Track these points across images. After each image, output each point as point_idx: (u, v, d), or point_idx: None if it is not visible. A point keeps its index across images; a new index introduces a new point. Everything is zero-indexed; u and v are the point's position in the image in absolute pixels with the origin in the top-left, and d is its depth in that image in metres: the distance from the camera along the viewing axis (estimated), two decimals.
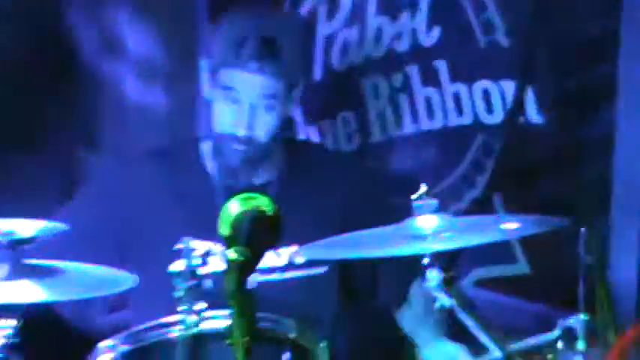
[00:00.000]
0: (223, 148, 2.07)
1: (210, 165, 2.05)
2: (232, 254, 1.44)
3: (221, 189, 2.05)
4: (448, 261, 1.65)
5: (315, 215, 2.07)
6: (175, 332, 1.65)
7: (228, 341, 1.47)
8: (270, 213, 1.48)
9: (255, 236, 1.45)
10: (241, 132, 1.99)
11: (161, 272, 1.68)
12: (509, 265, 2.39)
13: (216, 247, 1.88)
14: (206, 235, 1.69)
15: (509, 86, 2.31)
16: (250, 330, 1.45)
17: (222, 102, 2.04)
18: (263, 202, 1.51)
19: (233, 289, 1.41)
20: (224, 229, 1.46)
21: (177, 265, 1.62)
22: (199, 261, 1.65)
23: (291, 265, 2.05)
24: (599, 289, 1.82)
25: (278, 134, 2.12)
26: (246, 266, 1.45)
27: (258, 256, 1.49)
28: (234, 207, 1.45)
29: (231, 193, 1.86)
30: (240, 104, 2.02)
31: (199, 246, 1.86)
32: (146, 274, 1.71)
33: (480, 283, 2.41)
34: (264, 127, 2.05)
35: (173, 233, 1.75)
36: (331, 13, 2.64)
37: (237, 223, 1.46)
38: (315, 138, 2.58)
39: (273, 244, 1.53)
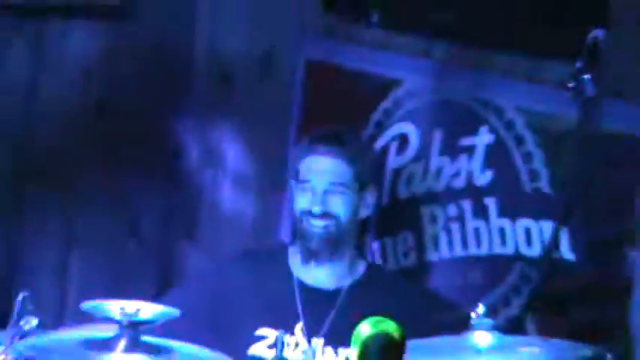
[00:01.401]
0: (303, 229, 2.25)
1: (295, 268, 2.24)
2: None
3: (301, 290, 2.26)
4: None
5: None
6: None
7: None
8: (397, 338, 1.53)
9: (382, 358, 1.53)
10: (316, 209, 2.17)
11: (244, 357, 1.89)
12: None
13: (291, 339, 2.11)
14: (283, 328, 1.89)
15: (547, 225, 2.51)
16: None
17: (301, 193, 2.25)
18: (392, 327, 1.56)
19: None
20: (355, 348, 1.54)
21: (268, 353, 1.82)
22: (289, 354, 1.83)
23: None
24: None
25: (353, 220, 2.30)
26: None
27: None
28: (365, 329, 1.52)
29: (310, 293, 2.13)
30: (314, 190, 2.22)
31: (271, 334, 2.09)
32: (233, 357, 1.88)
33: None
34: (338, 206, 2.24)
35: (256, 326, 1.97)
36: (401, 149, 2.85)
37: (367, 345, 1.54)
38: (376, 253, 2.75)
39: None
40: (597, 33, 2.42)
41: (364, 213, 2.27)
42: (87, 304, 1.80)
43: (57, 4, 3.32)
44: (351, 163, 2.25)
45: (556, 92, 2.71)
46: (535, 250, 2.58)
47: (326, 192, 2.22)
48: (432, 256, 2.80)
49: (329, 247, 2.22)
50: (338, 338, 2.23)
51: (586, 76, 2.31)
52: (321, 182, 2.24)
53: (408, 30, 2.93)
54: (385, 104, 2.96)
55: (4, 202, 3.31)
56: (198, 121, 3.17)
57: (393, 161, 2.89)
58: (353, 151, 2.27)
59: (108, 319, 1.78)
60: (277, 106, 3.18)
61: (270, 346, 1.93)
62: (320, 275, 2.27)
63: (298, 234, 2.23)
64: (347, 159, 2.24)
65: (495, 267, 2.71)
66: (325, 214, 2.20)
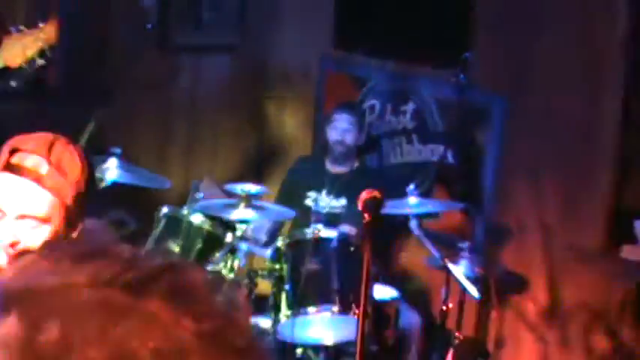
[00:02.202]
0: (332, 148, 4.40)
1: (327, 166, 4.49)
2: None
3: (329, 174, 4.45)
4: None
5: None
6: None
7: None
8: (380, 197, 2.87)
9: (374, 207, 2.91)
10: (339, 139, 4.37)
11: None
12: None
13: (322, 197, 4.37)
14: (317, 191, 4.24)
15: (439, 147, 4.60)
16: None
17: (333, 131, 4.37)
18: (377, 193, 2.94)
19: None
20: (359, 204, 2.94)
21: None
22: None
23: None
24: None
25: (355, 146, 4.38)
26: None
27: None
28: (364, 194, 2.90)
29: (332, 176, 4.37)
30: (337, 129, 4.33)
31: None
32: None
33: None
34: (350, 138, 4.32)
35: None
36: (372, 111, 4.84)
37: (366, 202, 2.87)
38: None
39: None
40: (467, 54, 4.40)
41: (359, 141, 4.46)
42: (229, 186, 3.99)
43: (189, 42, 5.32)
44: (355, 116, 4.43)
45: (447, 84, 4.60)
46: (435, 159, 4.64)
47: (344, 129, 4.36)
48: (390, 161, 4.86)
49: (344, 156, 4.40)
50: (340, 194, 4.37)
51: (462, 76, 4.33)
52: (342, 125, 4.37)
53: (374, 55, 4.85)
54: (364, 90, 4.98)
55: None
56: (278, 103, 5.32)
57: (368, 117, 4.93)
58: (354, 111, 4.46)
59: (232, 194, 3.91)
60: (310, 92, 5.29)
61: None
62: (338, 168, 4.43)
63: (330, 150, 4.43)
64: (353, 115, 4.43)
65: (416, 167, 4.76)
66: (342, 142, 4.37)
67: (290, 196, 4.54)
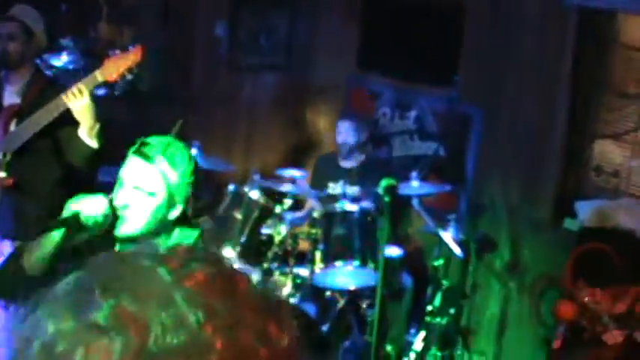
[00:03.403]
0: (340, 148, 4.49)
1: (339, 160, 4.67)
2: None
3: (342, 167, 4.61)
4: None
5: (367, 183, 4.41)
6: None
7: None
8: (395, 184, 3.06)
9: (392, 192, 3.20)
10: (345, 141, 4.42)
11: None
12: None
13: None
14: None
15: (433, 145, 5.26)
16: None
17: (338, 137, 4.52)
18: (391, 181, 3.00)
19: None
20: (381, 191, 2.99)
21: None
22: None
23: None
24: None
25: (357, 144, 4.44)
26: None
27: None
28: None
29: (343, 170, 4.61)
30: (342, 133, 4.45)
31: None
32: None
33: None
34: (351, 139, 4.38)
35: None
36: (384, 117, 5.18)
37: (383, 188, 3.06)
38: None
39: None
40: (457, 77, 4.62)
41: (360, 139, 4.63)
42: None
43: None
44: (353, 121, 4.45)
45: (440, 97, 4.80)
46: (430, 152, 4.93)
47: (345, 134, 4.45)
48: (397, 153, 5.19)
49: (349, 153, 4.54)
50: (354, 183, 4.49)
51: (454, 93, 4.50)
52: (343, 130, 4.45)
53: (386, 75, 5.16)
54: (378, 101, 5.26)
55: None
56: (314, 110, 5.61)
57: (381, 121, 5.22)
58: (353, 117, 4.57)
59: None
60: (338, 103, 5.53)
61: None
62: (347, 163, 4.59)
63: (339, 150, 4.55)
64: (351, 120, 4.49)
65: (417, 158, 4.96)
66: (345, 144, 4.46)
67: (317, 185, 4.81)
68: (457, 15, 4.74)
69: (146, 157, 2.31)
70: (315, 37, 5.61)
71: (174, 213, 2.36)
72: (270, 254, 4.27)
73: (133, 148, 2.35)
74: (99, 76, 3.42)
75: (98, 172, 3.99)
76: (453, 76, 4.59)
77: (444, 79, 4.71)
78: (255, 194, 4.37)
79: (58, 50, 5.22)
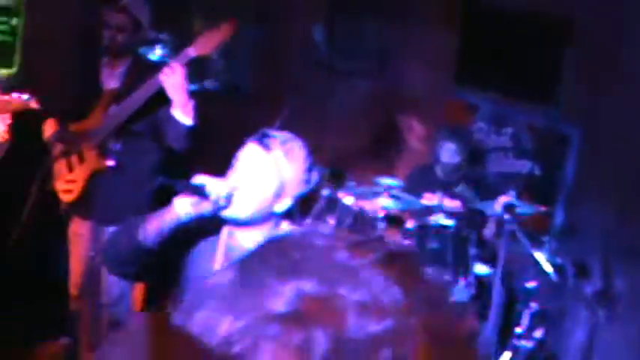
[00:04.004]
0: (441, 163, 4.61)
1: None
2: None
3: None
4: None
5: None
6: None
7: None
8: None
9: None
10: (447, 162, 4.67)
11: None
12: None
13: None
14: None
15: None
16: None
17: (443, 154, 4.70)
18: None
19: None
20: None
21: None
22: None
23: None
24: None
25: (463, 161, 4.57)
26: None
27: None
28: None
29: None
30: (446, 154, 4.63)
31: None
32: None
33: None
34: (456, 160, 4.61)
35: None
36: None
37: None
38: None
39: None
40: (558, 92, 4.81)
41: (463, 159, 4.77)
42: None
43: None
44: (460, 143, 4.66)
45: (536, 113, 4.81)
46: (524, 170, 5.04)
47: (450, 156, 4.65)
48: (492, 169, 5.16)
49: (451, 172, 4.72)
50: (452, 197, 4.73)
51: (555, 109, 4.59)
52: (449, 151, 4.62)
53: (484, 88, 5.07)
54: (477, 115, 5.27)
55: None
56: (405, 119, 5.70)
57: (477, 134, 5.13)
58: (459, 137, 4.73)
59: None
60: (430, 112, 5.53)
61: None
62: (447, 177, 4.75)
63: (439, 163, 4.79)
64: (458, 142, 4.65)
65: (511, 176, 4.90)
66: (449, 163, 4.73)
67: (412, 194, 4.75)
68: (564, 27, 4.61)
69: (265, 146, 2.40)
70: (409, 45, 5.59)
71: (281, 206, 2.44)
72: None
73: (253, 137, 2.46)
74: (191, 51, 3.51)
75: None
76: (554, 92, 4.59)
77: (544, 95, 4.67)
78: (349, 200, 4.51)
79: (153, 43, 5.21)
